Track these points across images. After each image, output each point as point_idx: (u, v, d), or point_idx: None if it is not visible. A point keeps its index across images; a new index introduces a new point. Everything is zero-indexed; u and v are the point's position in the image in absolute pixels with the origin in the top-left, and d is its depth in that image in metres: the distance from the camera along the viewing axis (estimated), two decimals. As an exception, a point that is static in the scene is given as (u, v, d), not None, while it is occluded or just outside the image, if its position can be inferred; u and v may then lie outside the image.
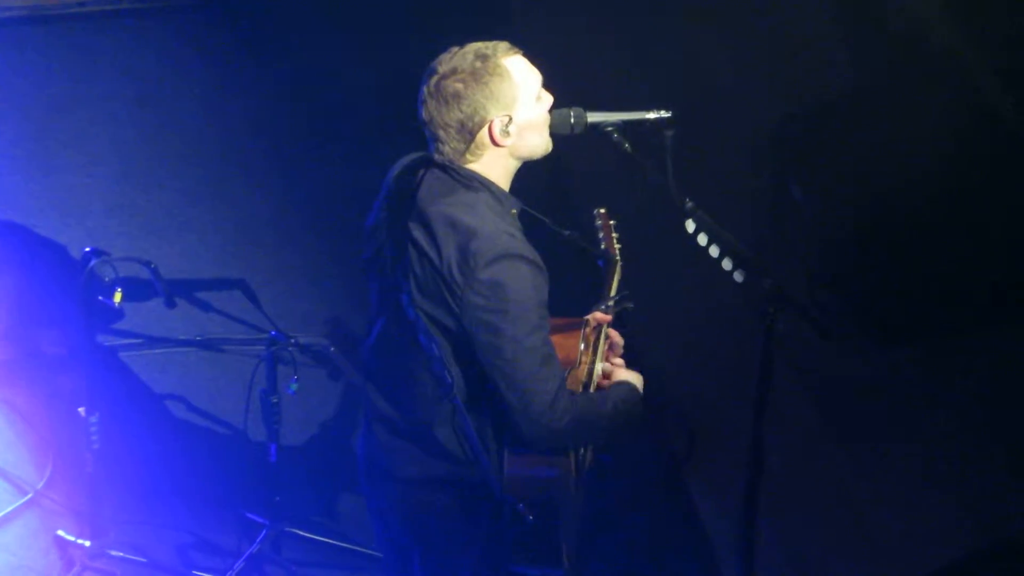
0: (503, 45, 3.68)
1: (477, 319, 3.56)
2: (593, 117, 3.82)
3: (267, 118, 6.34)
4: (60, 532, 5.02)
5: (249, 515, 5.08)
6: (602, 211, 4.32)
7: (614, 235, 4.29)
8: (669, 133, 3.77)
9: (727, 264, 3.71)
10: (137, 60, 6.42)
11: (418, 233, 3.63)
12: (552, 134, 3.77)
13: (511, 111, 3.65)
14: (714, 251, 3.71)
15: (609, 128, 3.82)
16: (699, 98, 6.20)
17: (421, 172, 3.70)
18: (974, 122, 5.72)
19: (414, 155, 3.77)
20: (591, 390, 3.86)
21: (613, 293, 4.13)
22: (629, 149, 3.80)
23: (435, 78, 3.64)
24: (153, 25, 6.44)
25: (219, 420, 5.47)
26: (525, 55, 3.71)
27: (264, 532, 5.02)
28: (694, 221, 3.72)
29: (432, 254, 3.61)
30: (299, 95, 6.37)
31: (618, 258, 4.24)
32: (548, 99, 3.74)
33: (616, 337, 4.02)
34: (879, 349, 5.66)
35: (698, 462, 5.40)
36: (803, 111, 6.14)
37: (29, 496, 5.18)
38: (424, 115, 3.67)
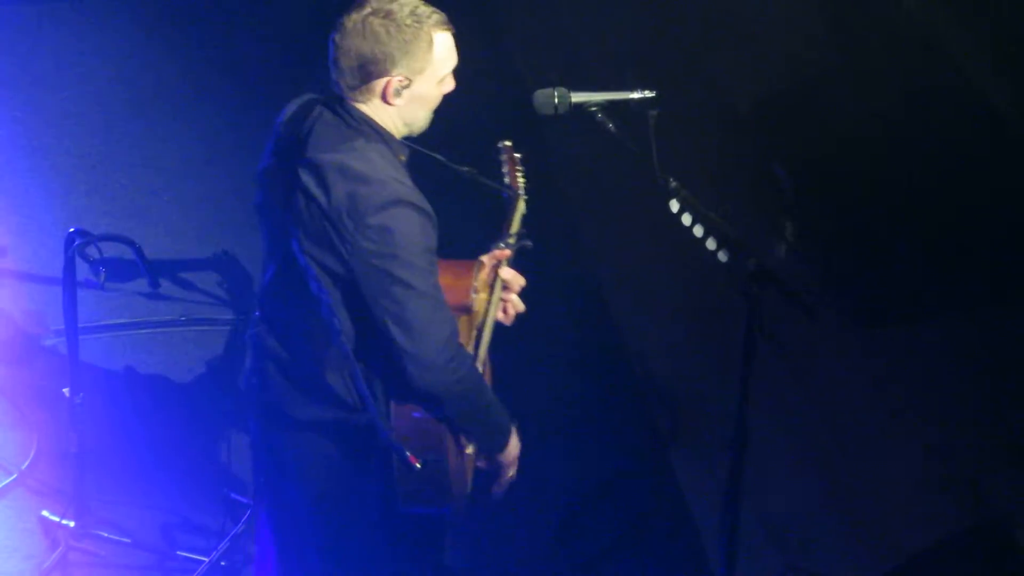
0: (440, 17, 3.68)
1: (367, 264, 3.57)
2: (577, 97, 3.82)
3: (253, 96, 6.33)
4: (44, 512, 5.00)
5: (234, 495, 5.07)
6: (507, 144, 4.29)
7: (519, 169, 4.26)
8: (653, 113, 3.77)
9: (711, 244, 3.70)
10: (122, 39, 6.41)
11: (307, 178, 3.63)
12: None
13: (413, 78, 3.67)
14: (698, 231, 3.71)
15: (593, 108, 3.82)
16: (683, 78, 6.21)
17: (313, 116, 3.71)
18: (957, 100, 5.74)
19: (305, 97, 3.78)
20: (485, 329, 3.91)
21: (514, 230, 4.12)
22: (614, 129, 3.80)
23: (366, 10, 3.63)
24: (137, 4, 6.42)
25: (204, 400, 5.46)
26: (456, 36, 3.70)
27: (249, 512, 5.01)
28: (678, 201, 3.71)
29: (322, 199, 3.60)
30: (285, 73, 6.36)
31: (521, 193, 4.22)
32: (450, 85, 3.74)
33: (515, 275, 4.04)
34: (863, 328, 5.67)
35: (682, 442, 5.41)
36: (787, 90, 6.15)
37: (13, 477, 5.17)
38: (336, 37, 3.66)
